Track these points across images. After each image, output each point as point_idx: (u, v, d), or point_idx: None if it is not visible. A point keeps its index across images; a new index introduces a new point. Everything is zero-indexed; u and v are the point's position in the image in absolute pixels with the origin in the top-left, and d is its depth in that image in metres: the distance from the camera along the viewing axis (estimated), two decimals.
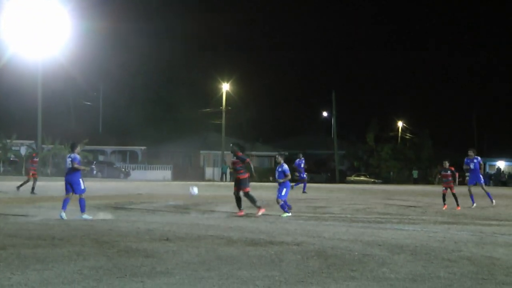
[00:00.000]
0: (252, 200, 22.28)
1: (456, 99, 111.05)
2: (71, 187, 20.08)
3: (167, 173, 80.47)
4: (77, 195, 20.05)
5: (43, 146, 72.16)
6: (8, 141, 73.48)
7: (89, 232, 15.99)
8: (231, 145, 24.21)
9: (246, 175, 22.44)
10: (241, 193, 22.46)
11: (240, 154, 22.68)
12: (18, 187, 34.14)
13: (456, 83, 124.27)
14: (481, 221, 21.83)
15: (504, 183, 77.82)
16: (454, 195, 27.80)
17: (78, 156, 20.46)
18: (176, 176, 78.32)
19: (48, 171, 72.40)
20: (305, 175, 41.68)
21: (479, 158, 30.19)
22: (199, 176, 78.89)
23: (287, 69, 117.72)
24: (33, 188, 32.99)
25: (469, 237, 16.42)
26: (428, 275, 10.89)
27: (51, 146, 76.66)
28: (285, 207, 22.62)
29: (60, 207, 19.96)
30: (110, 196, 31.02)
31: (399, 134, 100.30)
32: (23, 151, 74.87)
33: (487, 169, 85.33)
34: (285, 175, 22.51)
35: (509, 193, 47.81)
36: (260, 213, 21.95)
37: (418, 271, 11.26)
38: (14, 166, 74.19)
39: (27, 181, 34.47)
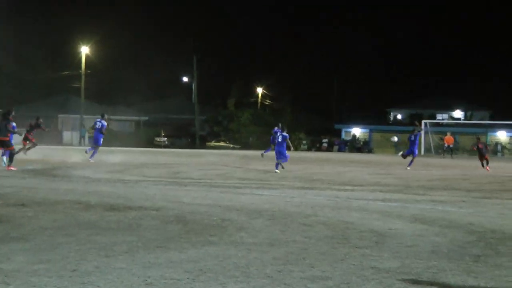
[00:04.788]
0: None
1: (316, 66, 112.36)
2: None
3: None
4: None
5: None
6: None
7: None
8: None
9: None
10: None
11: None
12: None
13: (316, 50, 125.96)
14: (337, 186, 22.42)
15: (359, 150, 79.74)
16: None
17: None
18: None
19: None
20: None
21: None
22: (57, 140, 77.20)
23: (149, 33, 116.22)
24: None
25: (325, 202, 16.84)
26: (285, 239, 11.09)
27: None
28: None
29: None
30: None
31: (259, 100, 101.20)
32: None
33: (343, 136, 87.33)
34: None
35: (363, 159, 49.10)
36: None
37: (276, 235, 11.45)
38: None
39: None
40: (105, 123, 35.63)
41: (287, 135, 30.49)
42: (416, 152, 35.92)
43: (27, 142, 33.07)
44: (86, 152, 35.60)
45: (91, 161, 33.57)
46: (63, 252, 9.48)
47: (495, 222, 13.69)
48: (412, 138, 35.56)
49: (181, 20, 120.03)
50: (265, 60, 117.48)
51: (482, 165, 35.37)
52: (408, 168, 34.50)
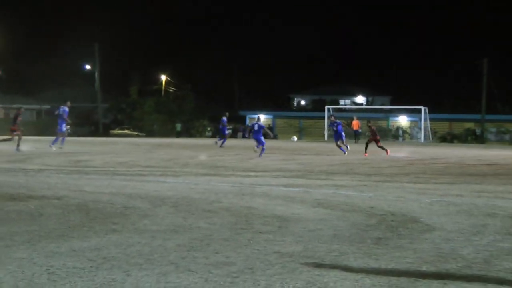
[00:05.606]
0: None
1: (218, 54, 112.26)
2: None
3: None
4: None
5: None
6: None
7: None
8: None
9: None
10: None
11: None
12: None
13: (218, 37, 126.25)
14: (241, 173, 22.54)
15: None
16: None
17: None
18: None
19: None
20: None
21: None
22: None
23: (50, 20, 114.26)
24: None
25: (229, 188, 16.90)
26: (189, 226, 11.10)
27: None
28: None
29: None
30: None
31: (163, 88, 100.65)
32: None
33: (247, 122, 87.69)
34: None
35: (267, 145, 49.30)
36: None
37: (179, 222, 11.45)
38: None
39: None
40: (67, 109, 35.96)
41: (263, 125, 34.25)
42: (338, 137, 37.15)
43: (15, 133, 33.25)
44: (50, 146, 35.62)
45: (60, 147, 34.89)
46: None
47: (395, 205, 13.99)
48: (334, 128, 37.55)
49: (83, 6, 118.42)
50: (168, 47, 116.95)
51: (383, 148, 35.51)
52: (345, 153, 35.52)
